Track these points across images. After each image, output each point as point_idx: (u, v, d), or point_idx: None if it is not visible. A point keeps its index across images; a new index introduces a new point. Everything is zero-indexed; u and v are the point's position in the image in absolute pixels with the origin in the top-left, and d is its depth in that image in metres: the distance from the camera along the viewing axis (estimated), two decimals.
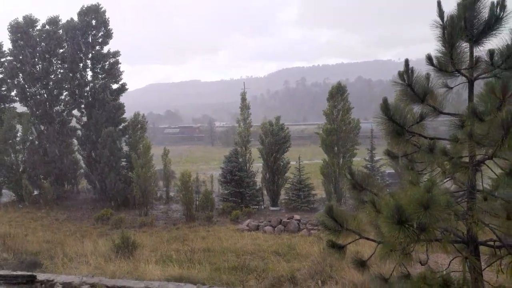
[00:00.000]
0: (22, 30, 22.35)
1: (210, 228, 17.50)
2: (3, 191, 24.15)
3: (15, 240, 14.59)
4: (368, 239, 4.11)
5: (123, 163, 22.35)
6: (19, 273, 8.69)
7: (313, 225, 16.20)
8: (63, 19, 23.04)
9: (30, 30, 22.61)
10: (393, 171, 19.45)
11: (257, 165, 23.70)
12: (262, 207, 21.77)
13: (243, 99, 22.50)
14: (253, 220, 17.77)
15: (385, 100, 3.90)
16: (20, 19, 22.70)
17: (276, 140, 21.44)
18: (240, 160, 22.07)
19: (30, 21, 22.65)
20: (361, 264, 4.28)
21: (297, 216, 17.09)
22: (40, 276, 8.50)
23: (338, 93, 19.97)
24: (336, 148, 19.92)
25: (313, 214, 19.15)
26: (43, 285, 8.24)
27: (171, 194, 24.23)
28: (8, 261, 11.59)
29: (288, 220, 16.56)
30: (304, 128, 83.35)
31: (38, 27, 22.94)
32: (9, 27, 22.62)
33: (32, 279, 8.32)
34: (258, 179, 22.84)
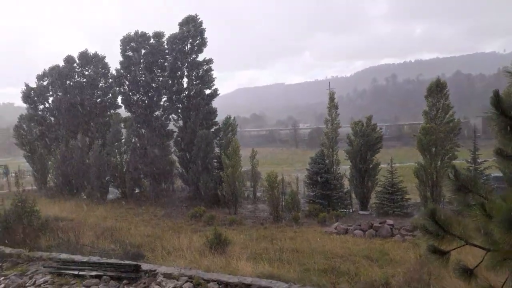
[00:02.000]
0: (131, 43, 25.11)
1: (297, 229, 17.50)
2: (110, 189, 26.95)
3: (121, 233, 16.16)
4: (475, 245, 3.75)
5: (215, 164, 23.47)
6: (126, 262, 9.61)
7: (407, 230, 15.27)
8: (172, 31, 25.21)
9: (138, 43, 25.22)
10: (501, 174, 17.44)
11: (344, 167, 23.10)
12: (351, 210, 21.14)
13: (331, 98, 22.07)
14: (341, 223, 17.35)
15: (496, 93, 3.52)
16: (132, 34, 25.39)
17: (367, 141, 20.68)
18: (327, 161, 21.71)
19: (139, 35, 25.29)
20: (468, 273, 3.92)
21: (389, 221, 16.25)
22: (144, 266, 9.30)
23: (437, 89, 18.54)
24: (434, 149, 18.50)
25: (407, 220, 18.07)
26: (146, 274, 8.99)
27: (258, 194, 24.80)
28: (115, 252, 12.77)
29: (379, 225, 15.82)
30: (395, 128, 79.07)
31: (145, 40, 25.40)
32: (121, 40, 25.43)
33: (137, 268, 9.15)
34: (345, 181, 22.25)
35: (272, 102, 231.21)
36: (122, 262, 9.61)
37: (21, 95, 30.16)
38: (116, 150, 25.59)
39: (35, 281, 9.42)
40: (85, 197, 26.84)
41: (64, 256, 10.66)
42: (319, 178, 21.00)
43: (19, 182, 29.59)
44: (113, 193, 27.09)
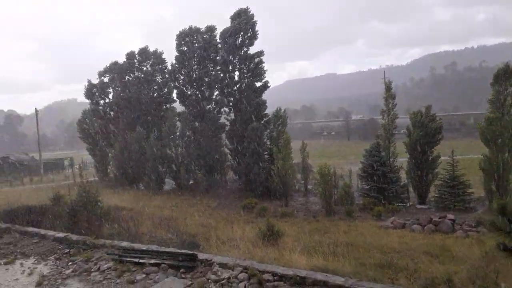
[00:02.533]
0: (186, 38, 25.85)
1: (351, 223, 17.08)
2: (166, 180, 27.97)
3: (177, 222, 16.70)
4: None
5: (265, 156, 23.52)
6: (183, 251, 9.87)
7: (470, 226, 14.34)
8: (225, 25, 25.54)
9: (192, 38, 25.90)
10: None
11: (401, 160, 22.14)
12: (408, 204, 20.26)
13: (388, 88, 21.11)
14: (398, 218, 16.67)
15: None
16: (187, 29, 26.14)
17: (426, 132, 19.64)
18: (383, 154, 20.91)
19: (193, 30, 25.94)
20: None
21: (450, 216, 15.34)
22: (200, 256, 9.50)
23: (505, 75, 17.10)
24: (500, 141, 17.14)
25: (469, 215, 16.98)
26: (202, 264, 9.18)
27: (309, 187, 24.53)
28: (172, 240, 13.20)
29: (439, 220, 14.99)
30: (456, 119, 74.66)
31: (199, 35, 26.01)
32: (177, 34, 26.23)
33: (193, 258, 9.36)
34: (402, 174, 21.32)
35: (323, 93, 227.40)
36: (179, 251, 9.88)
37: (84, 91, 32.08)
38: (171, 143, 26.45)
39: (99, 267, 9.97)
40: (142, 187, 28.11)
41: (125, 244, 11.19)
42: (374, 171, 20.30)
43: (82, 174, 31.63)
44: (168, 184, 28.09)
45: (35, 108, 52.59)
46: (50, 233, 13.31)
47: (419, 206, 19.71)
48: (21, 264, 10.99)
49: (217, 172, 26.97)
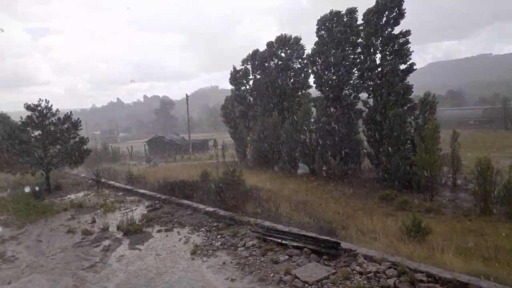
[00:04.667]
0: (326, 23, 25.51)
1: None
2: (299, 164, 28.31)
3: (312, 207, 16.67)
4: None
5: (408, 145, 21.74)
6: (326, 238, 9.71)
7: None
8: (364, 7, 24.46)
9: (331, 22, 25.40)
10: None
11: None
12: None
13: None
14: None
15: None
16: (328, 14, 25.84)
17: None
18: None
19: (333, 14, 25.46)
20: None
21: None
22: (343, 245, 9.23)
23: None
24: None
25: None
26: (346, 253, 8.89)
27: (458, 181, 21.86)
28: (310, 225, 13.19)
29: None
30: None
31: (339, 19, 25.38)
32: (318, 20, 26.11)
33: (336, 246, 9.13)
34: None
35: (473, 76, 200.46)
36: (322, 237, 9.77)
37: (225, 78, 34.52)
38: (306, 128, 26.53)
39: (244, 243, 10.55)
40: (277, 170, 29.03)
41: (267, 223, 11.62)
42: None
43: (224, 154, 34.32)
44: (302, 168, 28.40)
45: (186, 94, 58.90)
46: (201, 206, 14.68)
47: None
48: (178, 232, 12.37)
49: (352, 159, 26.10)
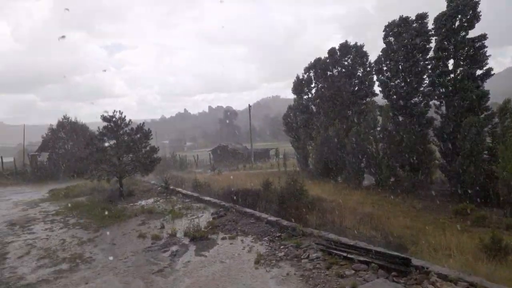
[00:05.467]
0: (393, 29, 24.75)
1: None
2: (365, 175, 27.34)
3: (379, 220, 15.95)
4: None
5: (485, 156, 20.12)
6: (395, 253, 9.22)
7: None
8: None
9: (400, 28, 24.55)
10: None
11: None
12: None
13: None
14: None
15: None
16: (396, 20, 25.10)
17: None
18: None
19: (401, 20, 24.68)
20: None
21: None
22: (414, 261, 8.69)
23: None
24: None
25: None
26: (417, 271, 8.35)
27: None
28: (376, 239, 12.64)
29: None
30: None
31: (407, 24, 24.48)
32: (385, 26, 25.43)
33: (406, 262, 8.62)
34: None
35: None
36: (390, 252, 9.30)
37: (287, 87, 34.69)
38: (371, 137, 25.65)
39: (308, 255, 10.36)
40: (340, 181, 28.32)
41: (332, 236, 11.31)
42: None
43: (286, 164, 34.27)
44: (367, 179, 27.44)
45: (249, 105, 60.06)
46: (264, 215, 14.72)
47: None
48: (242, 240, 12.49)
49: (421, 171, 24.69)
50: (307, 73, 33.92)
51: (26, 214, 20.19)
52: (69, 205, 21.03)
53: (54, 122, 43.05)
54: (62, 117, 42.32)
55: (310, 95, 34.24)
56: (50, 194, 26.87)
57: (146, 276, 9.94)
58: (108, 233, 14.87)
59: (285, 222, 13.30)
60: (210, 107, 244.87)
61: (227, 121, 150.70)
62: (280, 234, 12.56)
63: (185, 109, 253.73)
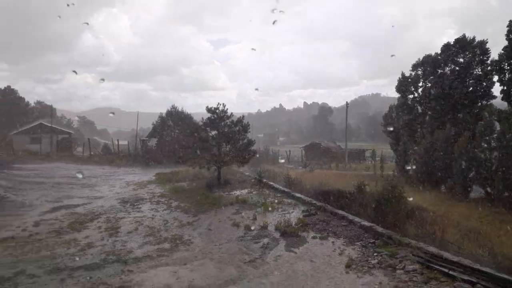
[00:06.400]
0: None
1: None
2: (474, 187, 24.71)
3: (488, 238, 14.33)
4: None
5: None
6: (506, 276, 8.25)
7: None
8: None
9: None
10: None
11: None
12: None
13: None
14: None
15: None
16: None
17: None
18: None
19: None
20: None
21: None
22: None
23: None
24: None
25: None
26: None
27: None
28: (483, 258, 11.40)
29: None
30: None
31: None
32: (510, 21, 22.69)
33: None
34: None
35: None
36: (500, 275, 8.33)
37: (393, 85, 32.79)
38: (485, 145, 23.05)
39: (404, 266, 9.76)
40: (444, 190, 26.06)
41: (432, 249, 10.50)
42: None
43: (382, 167, 32.65)
44: (475, 191, 24.83)
45: (346, 102, 58.35)
46: (357, 219, 14.25)
47: None
48: (333, 242, 12.27)
49: None
50: (415, 71, 31.62)
51: (135, 193, 22.51)
52: (172, 188, 22.88)
53: (162, 110, 47.17)
54: (171, 107, 46.13)
55: (416, 95, 31.94)
56: (157, 177, 29.55)
57: (239, 264, 10.37)
58: (205, 218, 15.84)
59: (380, 229, 12.71)
60: (305, 103, 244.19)
61: (322, 118, 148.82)
62: (374, 240, 12.04)
63: (280, 104, 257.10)
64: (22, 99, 72.63)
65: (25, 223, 15.14)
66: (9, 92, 69.49)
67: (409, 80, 31.97)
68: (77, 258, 10.89)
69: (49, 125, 57.50)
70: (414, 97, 32.09)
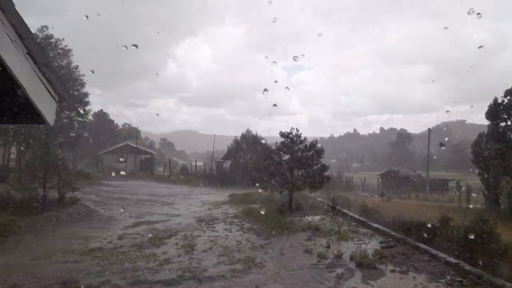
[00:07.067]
0: None
1: None
2: None
3: None
4: None
5: None
6: None
7: None
8: None
9: None
10: None
11: None
12: None
13: None
14: None
15: None
16: None
17: None
18: None
19: None
20: None
21: None
22: None
23: None
24: None
25: None
26: None
27: None
28: None
29: None
30: None
31: None
32: None
33: None
34: None
35: None
36: None
37: (485, 110, 30.24)
38: None
39: None
40: None
41: None
42: None
43: (469, 199, 29.93)
44: None
45: (428, 129, 55.10)
46: (441, 254, 13.18)
47: None
48: (413, 277, 11.46)
49: None
50: (508, 96, 28.92)
51: (210, 213, 23.24)
52: (245, 210, 23.23)
53: (237, 133, 48.67)
54: (246, 130, 47.40)
55: (509, 122, 29.10)
56: (230, 198, 30.28)
57: None
58: (277, 242, 15.76)
59: (468, 267, 11.59)
60: (381, 129, 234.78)
61: (399, 145, 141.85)
62: (461, 279, 11.01)
63: (354, 129, 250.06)
64: (112, 121, 79.95)
65: (111, 236, 16.37)
66: (101, 115, 76.94)
67: (501, 106, 29.26)
68: (156, 273, 11.44)
69: (135, 145, 62.35)
70: (507, 125, 29.22)
